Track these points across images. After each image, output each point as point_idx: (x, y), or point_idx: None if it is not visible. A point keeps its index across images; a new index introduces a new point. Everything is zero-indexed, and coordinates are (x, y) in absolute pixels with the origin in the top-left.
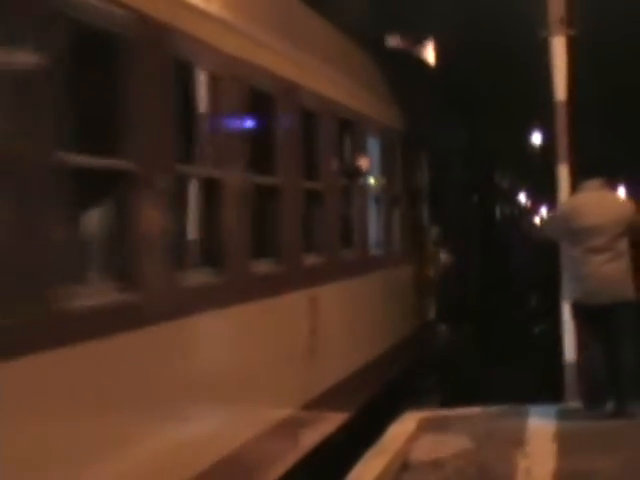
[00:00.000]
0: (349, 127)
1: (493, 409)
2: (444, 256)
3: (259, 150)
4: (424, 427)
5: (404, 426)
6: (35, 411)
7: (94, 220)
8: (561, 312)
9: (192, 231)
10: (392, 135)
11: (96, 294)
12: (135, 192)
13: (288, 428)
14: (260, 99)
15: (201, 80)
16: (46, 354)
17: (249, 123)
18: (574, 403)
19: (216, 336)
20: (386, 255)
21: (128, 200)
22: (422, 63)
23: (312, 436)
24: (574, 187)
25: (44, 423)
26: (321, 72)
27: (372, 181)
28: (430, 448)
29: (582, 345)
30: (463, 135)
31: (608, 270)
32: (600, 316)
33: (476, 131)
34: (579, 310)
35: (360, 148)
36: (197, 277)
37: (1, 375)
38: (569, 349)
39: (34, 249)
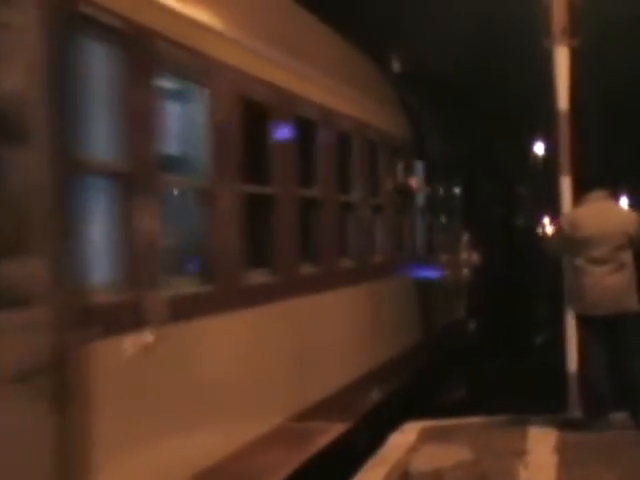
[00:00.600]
0: (385, 148)
1: (494, 419)
2: (474, 260)
3: (338, 173)
4: (424, 437)
5: (404, 436)
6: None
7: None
8: (565, 322)
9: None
10: (431, 158)
11: (255, 277)
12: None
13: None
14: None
15: (303, 124)
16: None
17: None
18: (576, 414)
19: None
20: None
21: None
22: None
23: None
24: (577, 198)
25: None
26: (353, 98)
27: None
28: (430, 458)
29: (586, 356)
30: (480, 149)
31: (610, 282)
32: (603, 328)
33: (488, 143)
34: (583, 321)
35: (408, 169)
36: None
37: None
38: (571, 360)
39: (234, 247)
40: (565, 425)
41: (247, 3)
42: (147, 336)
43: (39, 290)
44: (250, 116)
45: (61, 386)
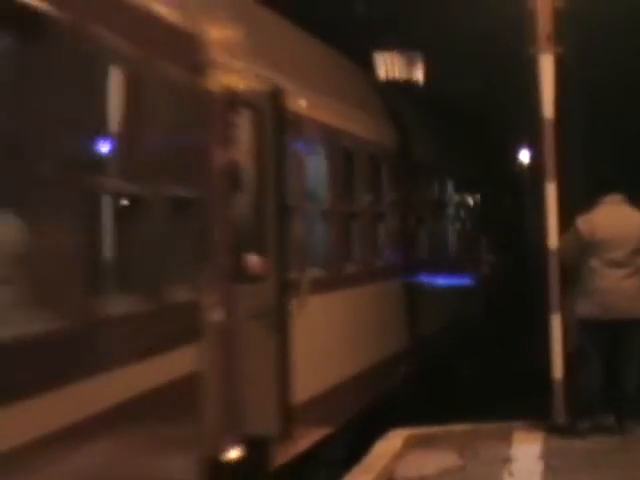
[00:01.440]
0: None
1: (479, 426)
2: (491, 260)
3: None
4: (410, 444)
5: (390, 443)
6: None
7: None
8: (550, 328)
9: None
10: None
11: (356, 266)
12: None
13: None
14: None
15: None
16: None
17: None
18: (561, 421)
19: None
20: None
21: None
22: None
23: None
24: (562, 205)
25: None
26: (366, 122)
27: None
28: (416, 465)
29: (583, 360)
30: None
31: (626, 285)
32: (605, 333)
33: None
34: (585, 325)
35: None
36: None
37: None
38: (556, 366)
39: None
40: (551, 431)
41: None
42: (314, 298)
43: (266, 272)
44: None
45: (279, 322)
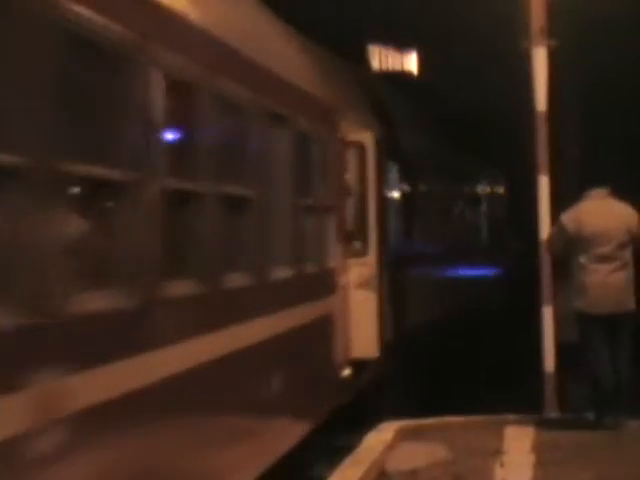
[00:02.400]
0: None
1: (470, 418)
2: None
3: None
4: (401, 437)
5: (381, 436)
6: None
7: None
8: (542, 322)
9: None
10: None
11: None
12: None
13: None
14: None
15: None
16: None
17: None
18: (552, 414)
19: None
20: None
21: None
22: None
23: None
24: (555, 198)
25: None
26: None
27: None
28: (407, 458)
29: (588, 355)
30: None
31: (613, 280)
32: (605, 325)
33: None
34: (585, 319)
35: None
36: None
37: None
38: (548, 359)
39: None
40: (542, 425)
41: None
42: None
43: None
44: None
45: (377, 286)
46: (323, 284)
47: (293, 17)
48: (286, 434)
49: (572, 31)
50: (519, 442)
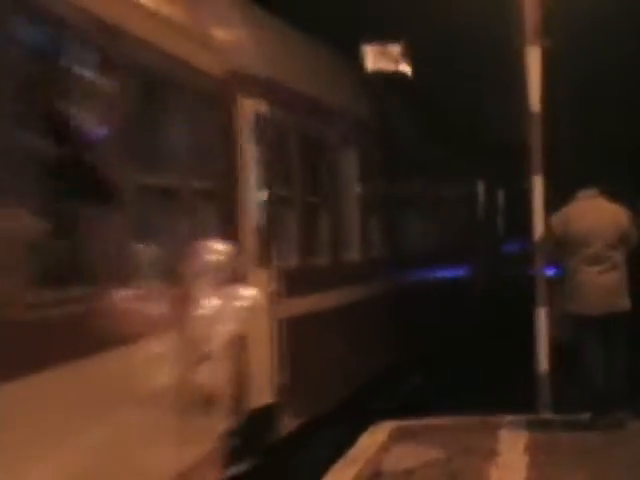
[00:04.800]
0: None
1: (465, 419)
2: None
3: None
4: (396, 437)
5: (375, 436)
6: None
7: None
8: (536, 322)
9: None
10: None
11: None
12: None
13: None
14: None
15: None
16: None
17: None
18: (546, 414)
19: None
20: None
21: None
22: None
23: None
24: (549, 199)
25: None
26: None
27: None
28: (401, 458)
29: (581, 356)
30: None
31: (603, 281)
32: (598, 326)
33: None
34: (578, 320)
35: None
36: None
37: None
38: (542, 360)
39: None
40: (536, 425)
41: None
42: None
43: None
44: None
45: None
46: (370, 270)
47: (290, 15)
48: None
49: (565, 31)
50: (513, 443)
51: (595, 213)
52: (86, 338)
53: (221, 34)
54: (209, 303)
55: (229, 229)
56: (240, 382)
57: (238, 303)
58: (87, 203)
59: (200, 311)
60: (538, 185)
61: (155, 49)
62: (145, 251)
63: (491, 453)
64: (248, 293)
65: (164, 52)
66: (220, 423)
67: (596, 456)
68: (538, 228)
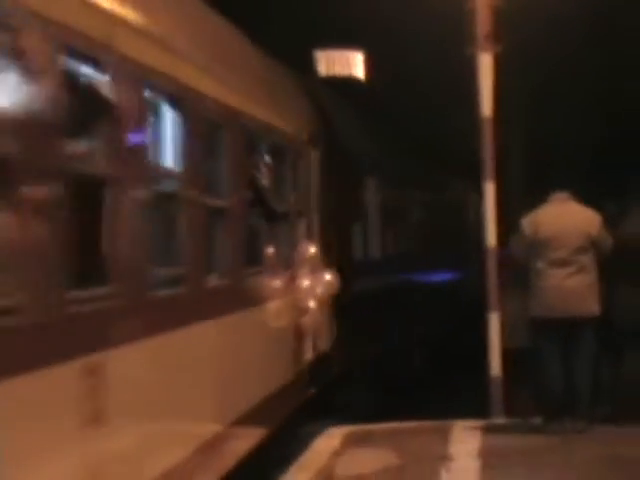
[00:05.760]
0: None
1: (418, 424)
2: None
3: None
4: (349, 442)
5: (328, 441)
6: None
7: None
8: (489, 327)
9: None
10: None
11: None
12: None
13: None
14: None
15: None
16: None
17: None
18: (499, 419)
19: None
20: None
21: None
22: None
23: None
24: (501, 204)
25: None
26: None
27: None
28: (354, 463)
29: (540, 361)
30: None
31: (570, 284)
32: (559, 331)
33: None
34: (538, 325)
35: None
36: None
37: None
38: (494, 364)
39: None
40: (489, 430)
41: None
42: None
43: None
44: None
45: None
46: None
47: (241, 18)
48: None
49: (518, 34)
50: (466, 447)
51: (564, 217)
52: (249, 299)
53: (300, 112)
54: (307, 280)
55: (311, 236)
56: (319, 331)
57: (322, 281)
58: (265, 223)
59: (303, 284)
60: (490, 191)
61: (280, 132)
62: (278, 250)
63: (444, 457)
64: (327, 276)
65: (285, 133)
66: (308, 353)
67: (549, 460)
68: (490, 233)
